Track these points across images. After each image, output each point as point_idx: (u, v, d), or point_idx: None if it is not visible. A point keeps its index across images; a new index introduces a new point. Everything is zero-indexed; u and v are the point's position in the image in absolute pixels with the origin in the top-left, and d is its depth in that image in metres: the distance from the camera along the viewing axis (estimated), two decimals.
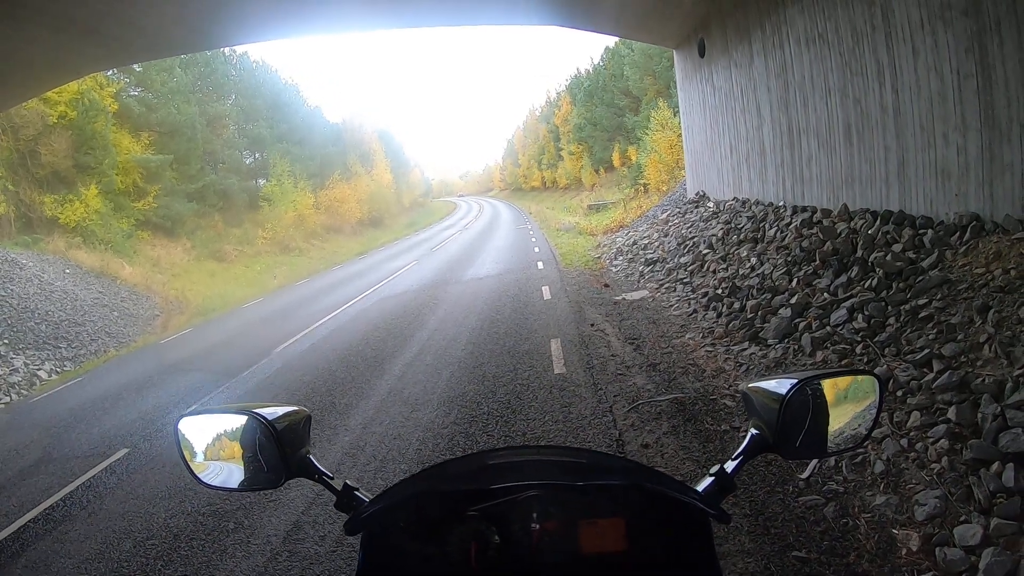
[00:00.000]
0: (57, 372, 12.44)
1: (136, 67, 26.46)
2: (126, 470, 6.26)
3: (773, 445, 1.09)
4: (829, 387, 1.14)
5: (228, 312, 17.53)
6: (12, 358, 12.07)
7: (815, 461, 4.20)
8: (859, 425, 1.15)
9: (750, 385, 1.18)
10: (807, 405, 1.10)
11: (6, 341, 12.60)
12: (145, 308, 18.10)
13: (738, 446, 1.13)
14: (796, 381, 1.09)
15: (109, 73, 24.73)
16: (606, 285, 12.31)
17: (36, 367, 12.22)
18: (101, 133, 23.16)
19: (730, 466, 1.10)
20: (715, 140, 14.15)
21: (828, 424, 1.12)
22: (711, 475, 1.09)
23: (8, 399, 10.67)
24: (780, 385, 1.10)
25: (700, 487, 1.09)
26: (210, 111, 32.73)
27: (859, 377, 1.19)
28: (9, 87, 13.19)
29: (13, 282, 15.09)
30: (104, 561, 4.51)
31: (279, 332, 12.17)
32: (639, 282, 12.05)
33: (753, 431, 1.13)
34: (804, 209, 9.37)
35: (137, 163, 25.45)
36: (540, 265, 16.20)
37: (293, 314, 14.63)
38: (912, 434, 4.08)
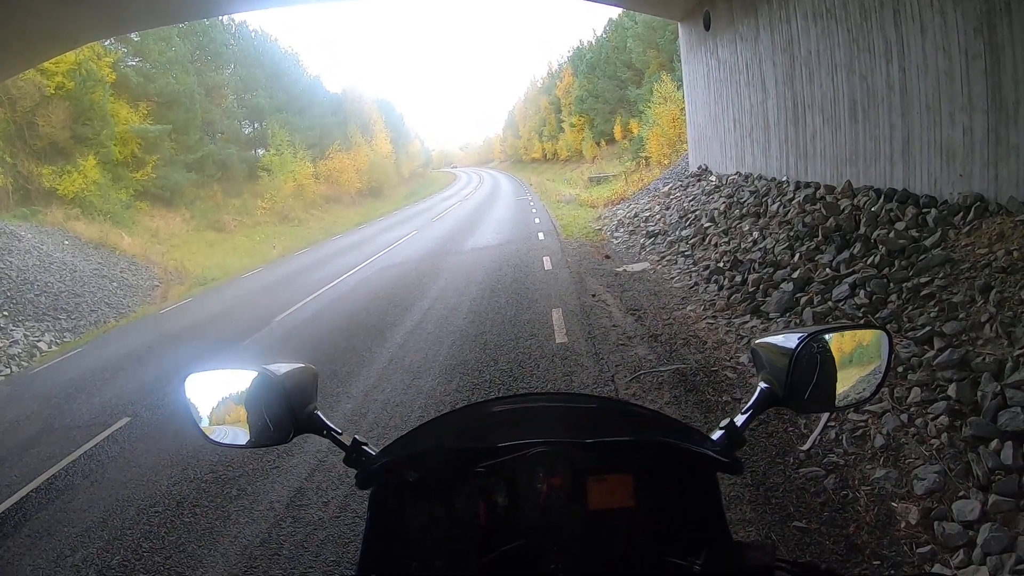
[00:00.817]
0: (57, 343, 12.44)
1: (134, 36, 26.11)
2: (128, 439, 6.29)
3: (782, 399, 1.08)
4: (838, 341, 1.12)
5: (227, 282, 17.53)
6: (12, 330, 12.06)
7: (816, 433, 4.22)
8: (868, 379, 1.13)
9: (758, 341, 1.16)
10: (816, 359, 1.08)
11: (5, 313, 12.58)
12: (144, 278, 18.05)
13: (747, 400, 1.12)
14: (805, 335, 1.07)
15: (107, 43, 24.41)
16: (607, 256, 12.27)
17: (36, 339, 12.22)
18: (99, 103, 22.91)
19: (740, 419, 1.09)
20: (719, 114, 14.05)
21: (837, 378, 1.10)
22: (721, 428, 1.08)
23: (8, 371, 10.68)
24: (788, 339, 1.08)
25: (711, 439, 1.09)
26: (209, 81, 32.41)
27: (868, 332, 1.17)
28: (5, 58, 13.00)
29: (11, 254, 15.01)
30: (107, 529, 4.55)
31: (279, 301, 12.19)
32: (640, 254, 12.02)
33: (762, 385, 1.11)
34: (807, 185, 9.34)
35: (135, 133, 25.22)
36: (541, 236, 16.14)
37: (293, 284, 14.64)
38: (912, 409, 4.09)
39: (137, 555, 4.14)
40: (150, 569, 3.97)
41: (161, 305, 15.56)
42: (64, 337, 12.85)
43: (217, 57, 34.74)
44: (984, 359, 4.05)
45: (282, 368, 1.14)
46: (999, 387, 3.74)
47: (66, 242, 17.90)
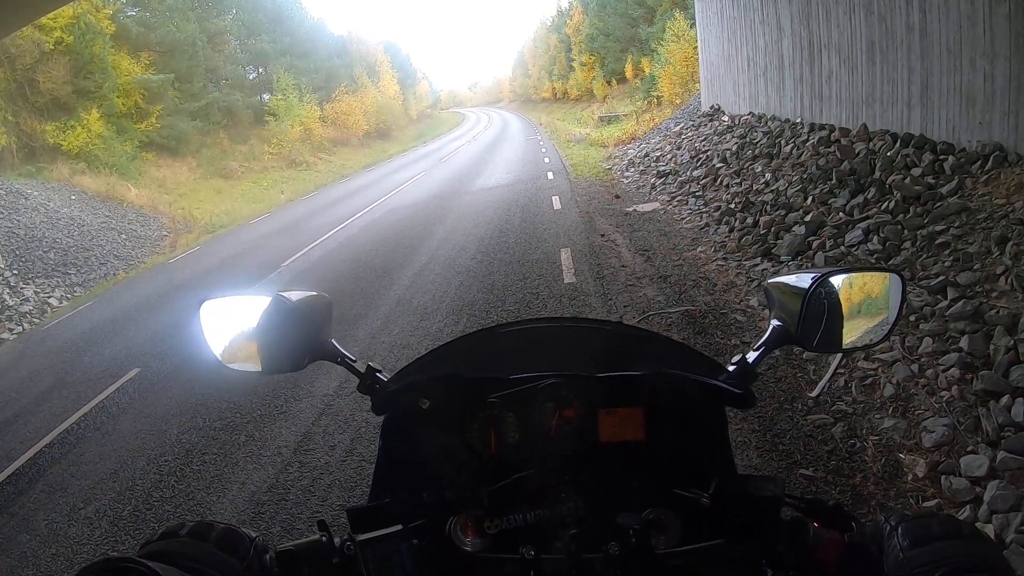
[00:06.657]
0: (67, 298, 12.47)
1: None
2: (138, 389, 6.36)
3: (795, 337, 1.06)
4: (851, 283, 1.10)
5: (236, 228, 17.52)
6: (22, 288, 12.10)
7: (825, 379, 4.18)
8: (880, 322, 1.11)
9: (771, 280, 1.14)
10: (828, 299, 1.06)
11: (15, 271, 12.61)
12: (153, 229, 18.02)
13: (760, 337, 1.09)
14: (819, 274, 1.04)
15: None
16: (617, 196, 12.13)
17: (46, 295, 12.27)
18: (99, 56, 22.52)
19: (752, 356, 1.07)
20: (732, 53, 13.83)
21: (849, 319, 1.08)
22: (733, 363, 1.07)
23: (20, 328, 10.72)
24: (801, 279, 1.06)
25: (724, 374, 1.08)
26: (210, 27, 31.83)
27: (882, 274, 1.13)
28: (1, 15, 12.66)
29: (19, 212, 15.00)
30: (119, 480, 4.62)
31: (287, 246, 12.25)
32: (650, 194, 11.86)
33: (775, 322, 1.09)
34: (822, 127, 9.21)
35: (138, 84, 24.82)
36: (550, 176, 15.99)
37: (301, 228, 14.68)
38: (923, 360, 4.04)
39: (147, 505, 4.21)
40: (160, 518, 4.03)
41: (170, 255, 15.57)
42: (74, 292, 12.90)
43: (218, 3, 34.08)
44: (998, 312, 3.98)
45: (298, 295, 1.11)
46: (1012, 341, 3.68)
47: (73, 197, 17.85)
